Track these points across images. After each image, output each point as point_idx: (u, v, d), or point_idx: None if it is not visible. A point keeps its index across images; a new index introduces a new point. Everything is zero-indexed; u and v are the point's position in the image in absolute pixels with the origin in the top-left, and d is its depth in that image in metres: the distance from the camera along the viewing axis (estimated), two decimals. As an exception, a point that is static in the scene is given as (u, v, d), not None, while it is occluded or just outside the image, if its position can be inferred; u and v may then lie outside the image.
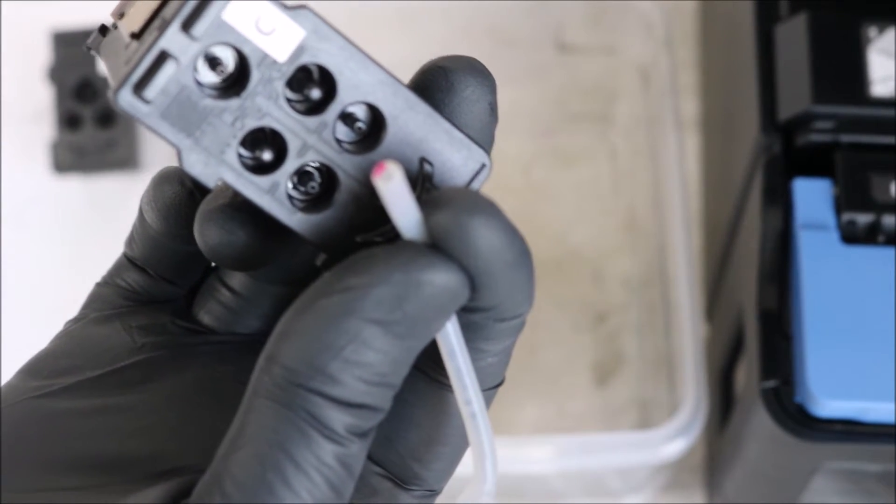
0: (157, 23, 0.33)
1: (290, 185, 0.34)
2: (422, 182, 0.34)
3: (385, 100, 0.34)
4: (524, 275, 0.33)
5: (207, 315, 0.39)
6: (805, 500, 0.65)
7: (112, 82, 0.34)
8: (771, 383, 0.60)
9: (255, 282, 0.39)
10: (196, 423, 0.37)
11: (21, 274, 0.86)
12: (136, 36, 0.33)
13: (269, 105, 0.34)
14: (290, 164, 0.34)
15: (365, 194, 0.35)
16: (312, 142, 0.34)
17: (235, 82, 0.33)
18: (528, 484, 0.76)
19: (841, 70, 0.63)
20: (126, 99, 0.33)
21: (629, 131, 0.88)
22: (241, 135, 0.34)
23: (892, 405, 0.58)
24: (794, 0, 0.65)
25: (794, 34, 0.64)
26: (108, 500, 0.34)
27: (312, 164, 0.35)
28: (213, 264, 0.40)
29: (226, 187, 0.35)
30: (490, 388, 0.36)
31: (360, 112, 0.35)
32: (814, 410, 0.59)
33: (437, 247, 0.33)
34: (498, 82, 0.37)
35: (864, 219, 0.61)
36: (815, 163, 0.63)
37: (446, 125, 0.35)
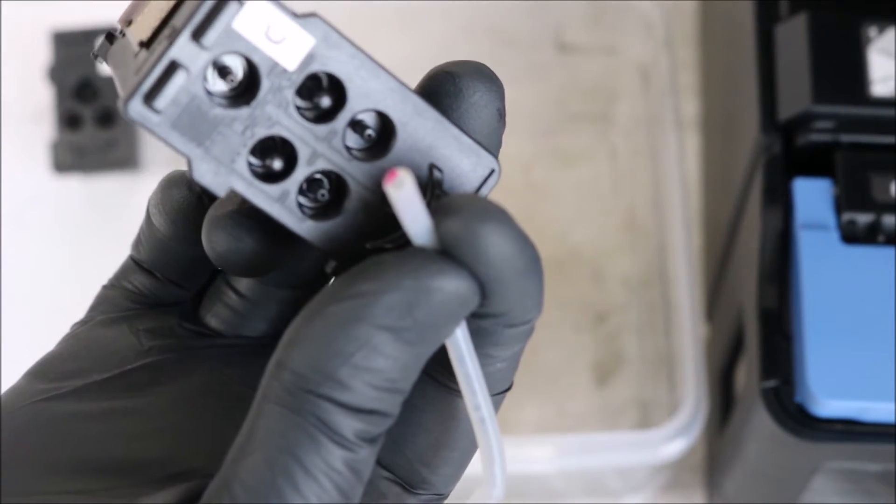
0: (166, 31, 0.33)
1: (299, 194, 0.35)
2: (431, 188, 0.35)
3: (395, 107, 0.34)
4: (534, 282, 0.34)
5: (214, 318, 0.39)
6: (805, 500, 0.65)
7: (121, 92, 0.33)
8: (771, 383, 0.60)
9: (263, 285, 0.39)
10: (203, 427, 0.37)
11: (21, 274, 0.86)
12: (146, 44, 0.33)
13: (278, 113, 0.34)
14: (300, 173, 0.34)
15: (375, 201, 0.35)
16: (322, 150, 0.34)
17: (245, 91, 0.33)
18: (529, 484, 0.76)
19: (841, 70, 0.63)
20: (136, 109, 0.33)
21: (629, 131, 0.88)
22: (251, 144, 0.34)
23: (892, 405, 0.58)
24: (794, 0, 0.65)
25: (794, 34, 0.64)
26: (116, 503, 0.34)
27: (322, 172, 0.35)
28: (221, 268, 0.40)
29: (234, 194, 0.35)
30: (498, 392, 0.36)
31: (370, 119, 0.35)
32: (814, 410, 0.59)
33: (447, 254, 0.33)
34: (500, 82, 0.37)
35: (864, 219, 0.61)
36: (815, 163, 0.63)
37: (455, 131, 0.35)
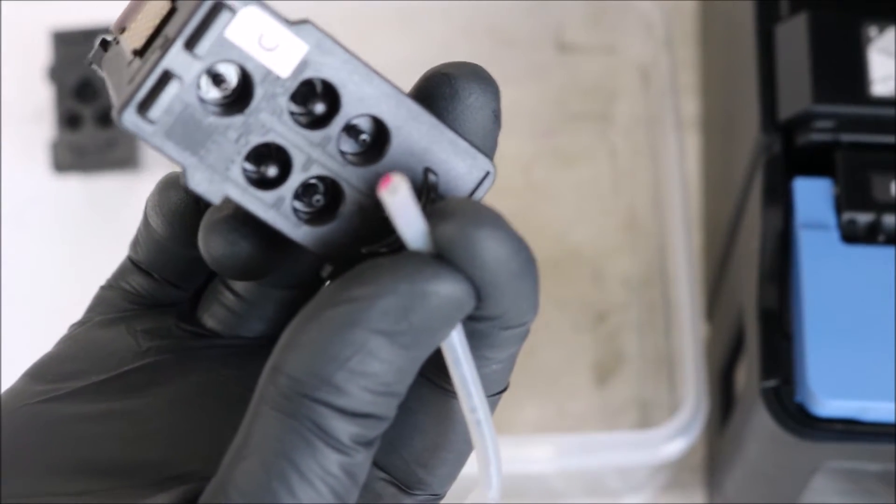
0: (159, 40, 0.33)
1: (294, 199, 0.34)
2: (426, 192, 0.35)
3: (389, 112, 0.34)
4: (529, 284, 0.33)
5: (211, 319, 0.39)
6: (805, 500, 0.65)
7: (115, 101, 0.33)
8: (771, 383, 0.60)
9: (259, 286, 0.39)
10: (200, 428, 0.37)
11: (21, 274, 0.86)
12: (139, 53, 0.33)
13: (272, 121, 0.33)
14: (295, 179, 0.34)
15: (370, 205, 0.35)
16: (317, 156, 0.34)
17: (239, 98, 0.33)
18: (529, 483, 0.76)
19: (841, 70, 0.63)
20: (130, 119, 0.33)
21: (629, 131, 0.88)
22: (245, 151, 0.34)
23: (892, 405, 0.58)
24: (794, 0, 0.65)
25: (794, 34, 0.64)
26: (114, 505, 0.34)
27: (317, 178, 0.35)
28: (217, 272, 0.40)
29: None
30: (494, 394, 0.36)
31: (364, 124, 0.34)
32: (814, 410, 0.59)
33: (442, 257, 0.33)
34: (498, 82, 0.37)
35: (864, 218, 0.61)
36: (816, 162, 0.63)
37: (450, 135, 0.35)
